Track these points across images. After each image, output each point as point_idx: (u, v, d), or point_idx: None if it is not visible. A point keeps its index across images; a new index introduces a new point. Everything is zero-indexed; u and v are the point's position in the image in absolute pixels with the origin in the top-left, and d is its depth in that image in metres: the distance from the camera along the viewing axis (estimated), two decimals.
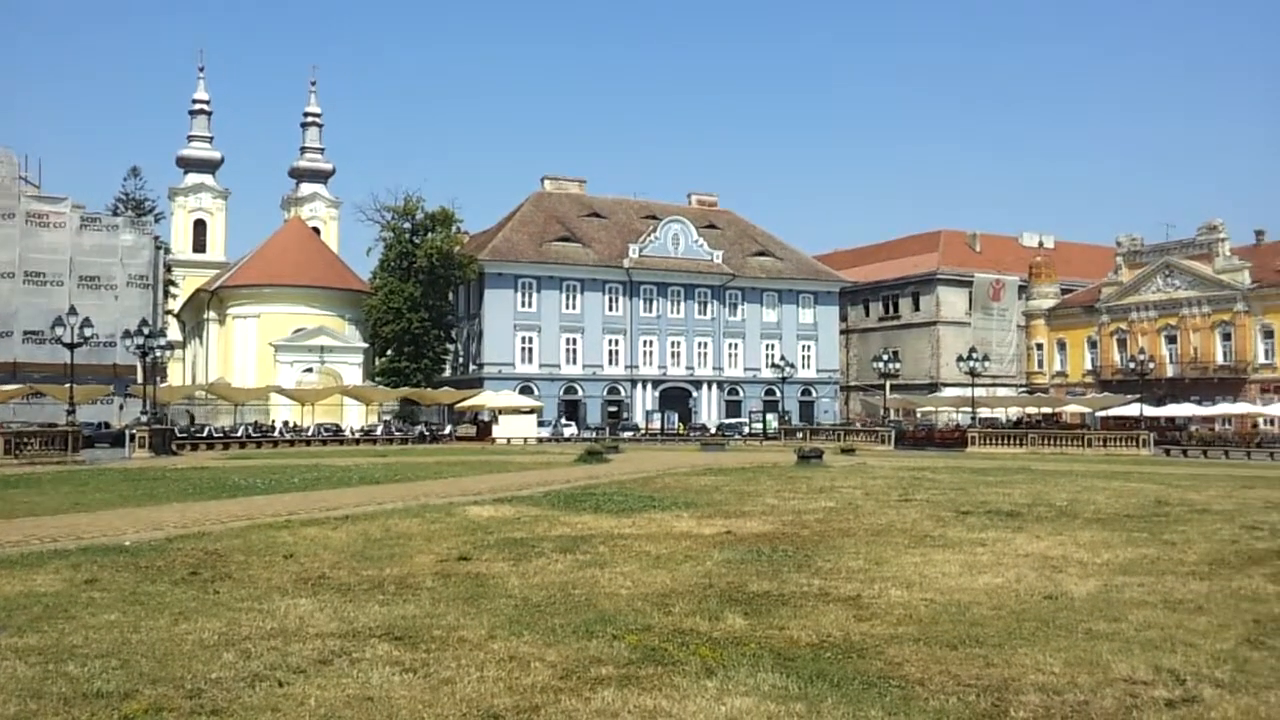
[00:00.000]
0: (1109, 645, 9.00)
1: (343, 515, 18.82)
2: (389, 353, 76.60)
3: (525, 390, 76.70)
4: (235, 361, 78.13)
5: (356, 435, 64.86)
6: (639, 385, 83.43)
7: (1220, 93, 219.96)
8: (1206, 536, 16.55)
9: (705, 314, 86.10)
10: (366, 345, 79.12)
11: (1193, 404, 69.85)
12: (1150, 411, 65.65)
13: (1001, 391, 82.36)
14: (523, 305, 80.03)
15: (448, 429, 70.20)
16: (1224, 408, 68.77)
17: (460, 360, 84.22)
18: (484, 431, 68.02)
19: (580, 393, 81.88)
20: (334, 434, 64.48)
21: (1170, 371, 75.91)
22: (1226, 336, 74.17)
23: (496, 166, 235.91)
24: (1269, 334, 71.91)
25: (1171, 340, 77.62)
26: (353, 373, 77.46)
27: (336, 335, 78.46)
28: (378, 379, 76.23)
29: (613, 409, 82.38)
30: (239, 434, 59.65)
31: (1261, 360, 72.04)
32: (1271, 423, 68.39)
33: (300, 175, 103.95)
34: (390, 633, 9.33)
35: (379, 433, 66.27)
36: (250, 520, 18.13)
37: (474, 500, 22.24)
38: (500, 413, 68.23)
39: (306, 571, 12.74)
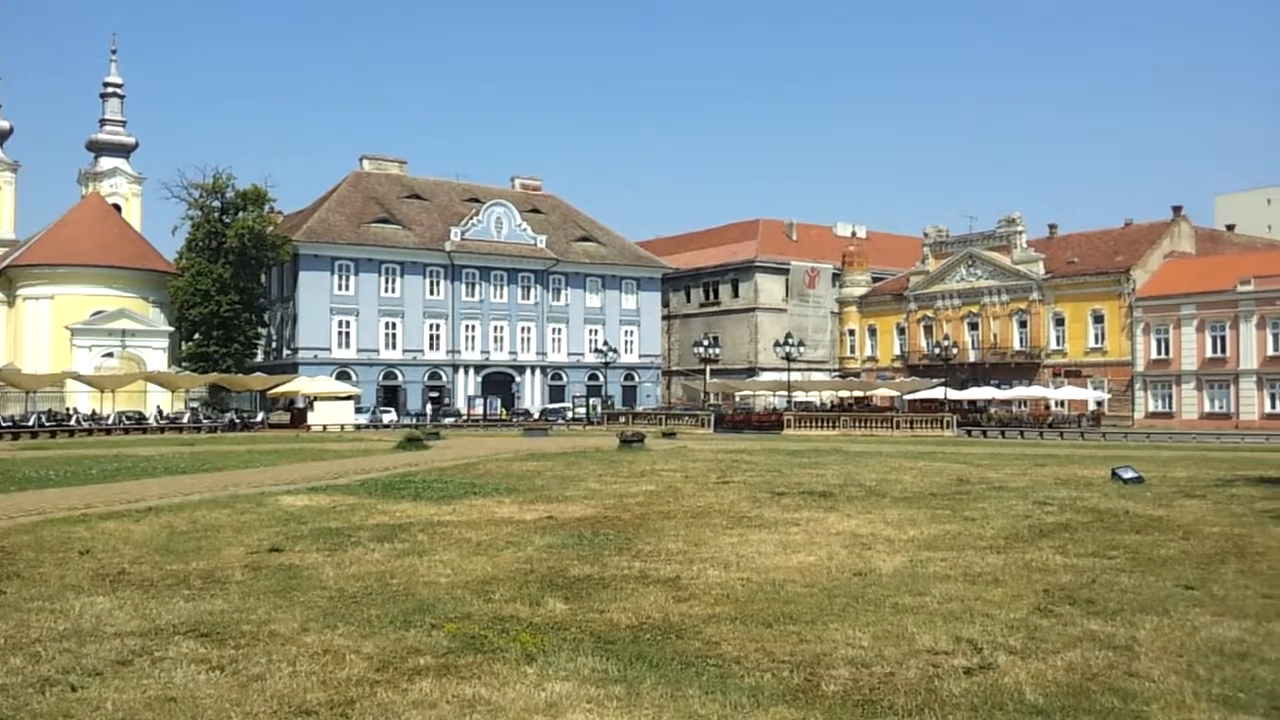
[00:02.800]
0: (914, 618, 9.39)
1: (145, 507, 17.92)
2: (197, 337, 73.29)
3: (342, 376, 74.77)
4: (26, 346, 73.31)
5: (161, 423, 61.85)
6: (461, 370, 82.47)
7: (1021, 94, 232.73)
8: (1003, 512, 17.51)
9: (529, 299, 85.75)
10: (172, 329, 75.51)
11: (992, 387, 73.92)
12: (954, 395, 69.15)
13: (816, 376, 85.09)
14: (340, 288, 77.88)
15: (260, 416, 67.85)
16: (1020, 391, 73.06)
17: (273, 345, 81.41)
18: (298, 418, 65.96)
19: (400, 378, 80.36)
20: (137, 422, 61.38)
21: (972, 356, 79.96)
22: (1023, 324, 78.62)
23: (313, 145, 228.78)
24: (1060, 322, 76.59)
25: (974, 327, 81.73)
26: (157, 358, 73.84)
27: (139, 318, 74.56)
28: (184, 364, 72.97)
29: (434, 395, 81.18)
30: (30, 423, 56.03)
31: (1053, 346, 76.67)
32: (1062, 405, 73.07)
33: (99, 149, 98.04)
34: (196, 629, 8.93)
35: (186, 420, 63.48)
36: (42, 515, 17.05)
37: (287, 489, 21.56)
38: (316, 399, 66.26)
39: (104, 568, 12.07)
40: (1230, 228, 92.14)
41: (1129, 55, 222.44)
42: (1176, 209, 77.72)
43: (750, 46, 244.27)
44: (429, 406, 78.39)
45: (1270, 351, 65.30)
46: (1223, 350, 67.49)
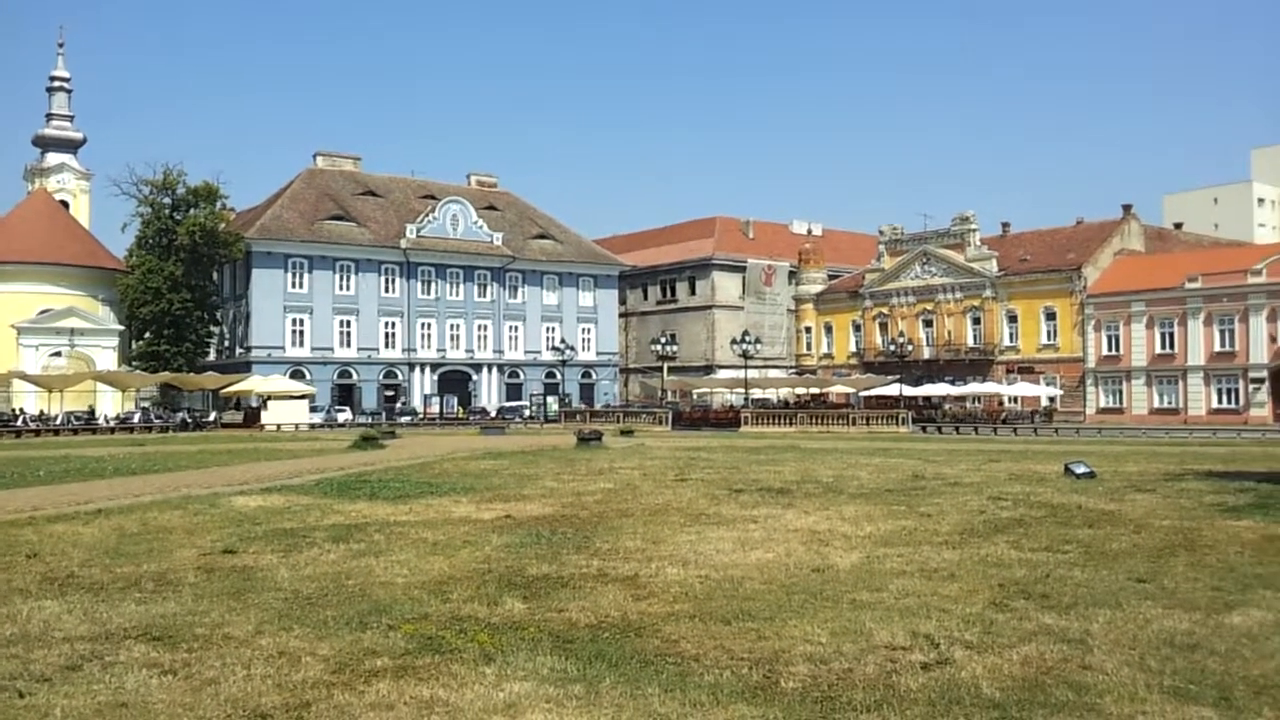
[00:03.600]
0: (871, 614, 9.44)
1: (95, 509, 17.61)
2: (147, 335, 72.16)
3: (296, 375, 74.01)
4: None
5: (112, 424, 60.86)
6: (417, 369, 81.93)
7: (974, 94, 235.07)
8: (958, 508, 17.68)
9: (485, 296, 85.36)
10: (122, 328, 74.29)
11: (947, 384, 74.56)
12: (909, 391, 69.68)
13: (773, 373, 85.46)
14: (293, 286, 77.08)
15: (212, 416, 67.03)
16: (974, 387, 73.78)
17: (226, 344, 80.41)
18: (252, 418, 65.18)
19: (355, 377, 79.69)
20: (86, 423, 60.37)
21: (927, 353, 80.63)
22: (976, 321, 79.39)
23: (266, 142, 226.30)
24: (1013, 319, 77.42)
25: (928, 324, 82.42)
26: (107, 357, 72.64)
27: (88, 317, 73.31)
28: (135, 364, 71.83)
29: (389, 393, 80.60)
30: None
31: (1006, 343, 77.49)
32: (1015, 401, 73.90)
33: (46, 144, 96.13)
34: (148, 633, 8.78)
35: (137, 420, 62.49)
36: None
37: (240, 490, 21.30)
38: (269, 398, 65.56)
39: (53, 571, 11.84)
40: (1178, 226, 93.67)
41: (1079, 56, 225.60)
42: (1126, 208, 78.85)
43: (706, 45, 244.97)
44: (385, 405, 77.81)
45: (1217, 348, 66.43)
46: (1171, 346, 68.56)
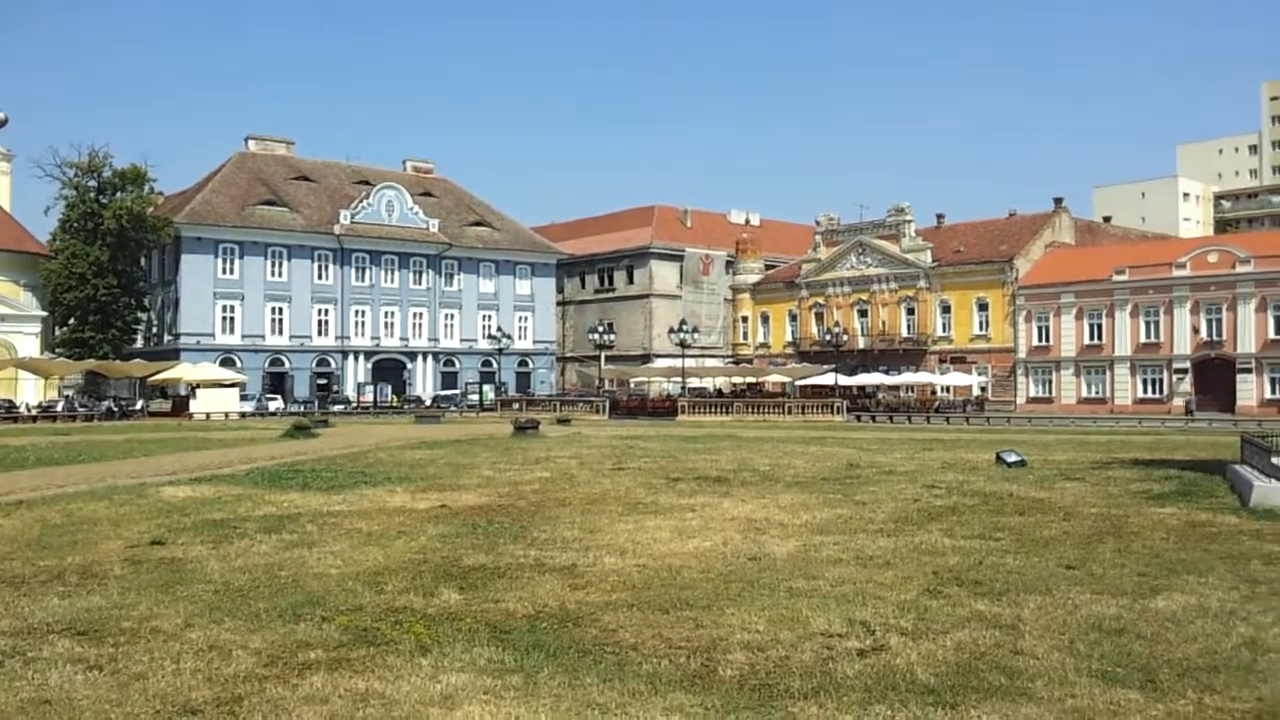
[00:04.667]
0: (808, 602, 9.50)
1: (15, 500, 17.11)
2: (72, 322, 70.45)
3: (226, 362, 72.82)
4: None
5: (34, 412, 59.25)
6: (350, 357, 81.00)
7: (909, 86, 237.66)
8: (892, 496, 17.87)
9: (420, 284, 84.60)
10: (45, 314, 72.39)
11: (881, 373, 75.46)
12: (844, 380, 70.47)
13: (710, 362, 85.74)
14: (224, 272, 75.77)
15: (139, 404, 65.60)
16: (908, 377, 74.81)
17: (154, 330, 78.81)
18: (180, 407, 63.87)
19: (287, 365, 78.57)
20: (7, 411, 58.73)
21: (862, 343, 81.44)
22: (911, 311, 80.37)
23: (196, 125, 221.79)
24: (946, 309, 78.50)
25: (863, 314, 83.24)
26: (29, 344, 70.72)
27: (9, 302, 71.26)
28: (58, 350, 70.09)
29: (322, 382, 79.60)
30: None
31: (940, 333, 78.57)
32: (947, 390, 75.00)
33: None
34: (72, 628, 8.55)
35: (60, 409, 60.91)
36: None
37: (169, 480, 20.84)
38: (198, 386, 64.32)
39: None
40: (1107, 219, 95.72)
41: (1012, 51, 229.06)
42: (1057, 201, 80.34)
43: (642, 35, 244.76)
44: (317, 394, 76.82)
45: (1143, 339, 67.96)
46: (1099, 337, 70.00)
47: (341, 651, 7.82)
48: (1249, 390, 63.25)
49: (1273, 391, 62.57)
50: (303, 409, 67.54)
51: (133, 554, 12.15)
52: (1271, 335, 62.67)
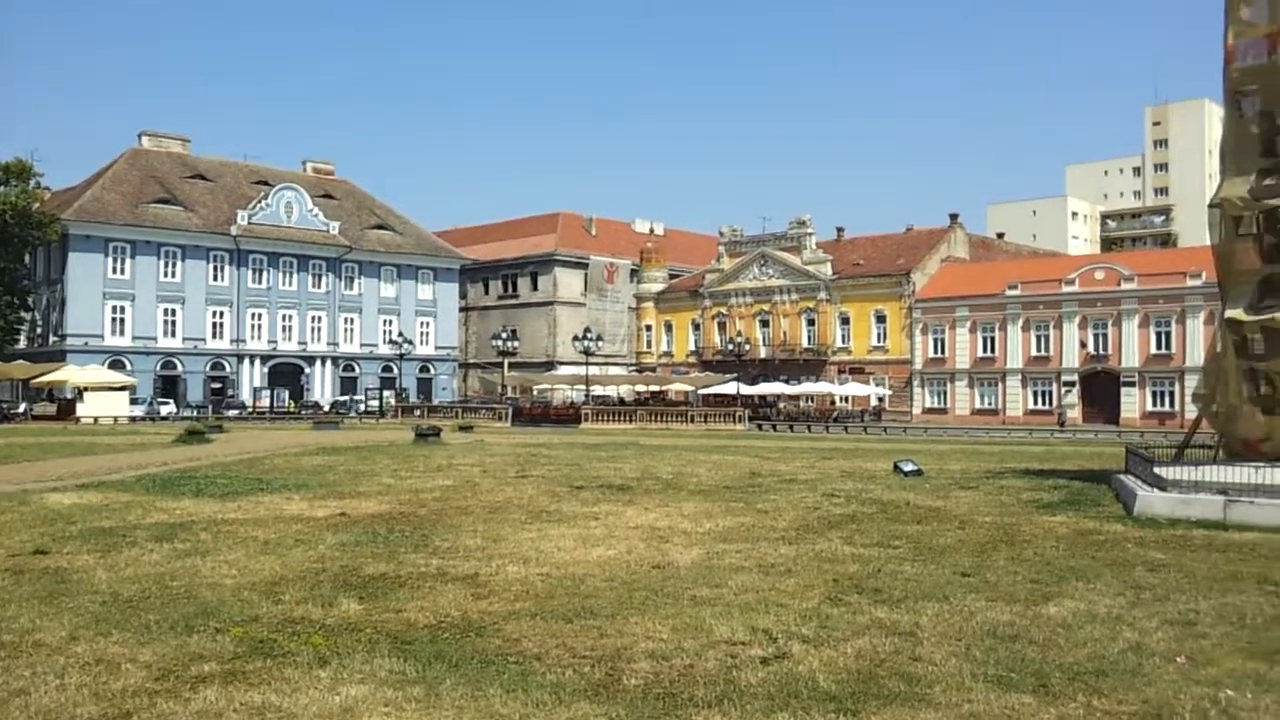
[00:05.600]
0: (711, 610, 9.55)
1: None
2: None
3: (116, 365, 70.52)
4: None
5: None
6: (246, 360, 79.10)
7: (810, 100, 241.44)
8: (793, 504, 18.09)
9: (320, 287, 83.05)
10: None
11: (782, 383, 76.47)
12: (746, 390, 71.18)
13: (613, 370, 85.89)
14: (114, 271, 73.34)
15: (22, 407, 63.22)
16: (808, 387, 75.91)
17: (39, 331, 75.90)
18: (66, 410, 61.69)
19: (180, 368, 76.37)
20: None
21: (763, 353, 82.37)
22: (811, 322, 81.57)
23: (87, 120, 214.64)
24: (845, 321, 79.84)
25: (765, 324, 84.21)
26: None
27: None
28: None
29: (217, 386, 77.55)
30: None
31: (839, 344, 79.87)
32: (846, 400, 76.31)
33: None
34: None
35: None
36: None
37: (53, 486, 20.13)
38: (86, 389, 62.18)
39: None
40: (1000, 236, 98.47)
41: (911, 70, 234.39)
42: (953, 216, 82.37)
43: (548, 40, 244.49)
44: (211, 398, 74.85)
45: (1034, 352, 70.01)
46: (992, 350, 71.91)
47: (236, 664, 7.62)
48: (1132, 403, 65.60)
49: (1154, 404, 64.98)
50: (196, 414, 65.75)
51: (14, 564, 11.69)
52: (1153, 350, 65.11)
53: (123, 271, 73.66)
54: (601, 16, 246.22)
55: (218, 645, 8.15)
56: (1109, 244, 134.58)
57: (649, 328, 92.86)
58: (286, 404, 75.26)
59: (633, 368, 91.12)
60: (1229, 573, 11.51)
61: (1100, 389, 67.13)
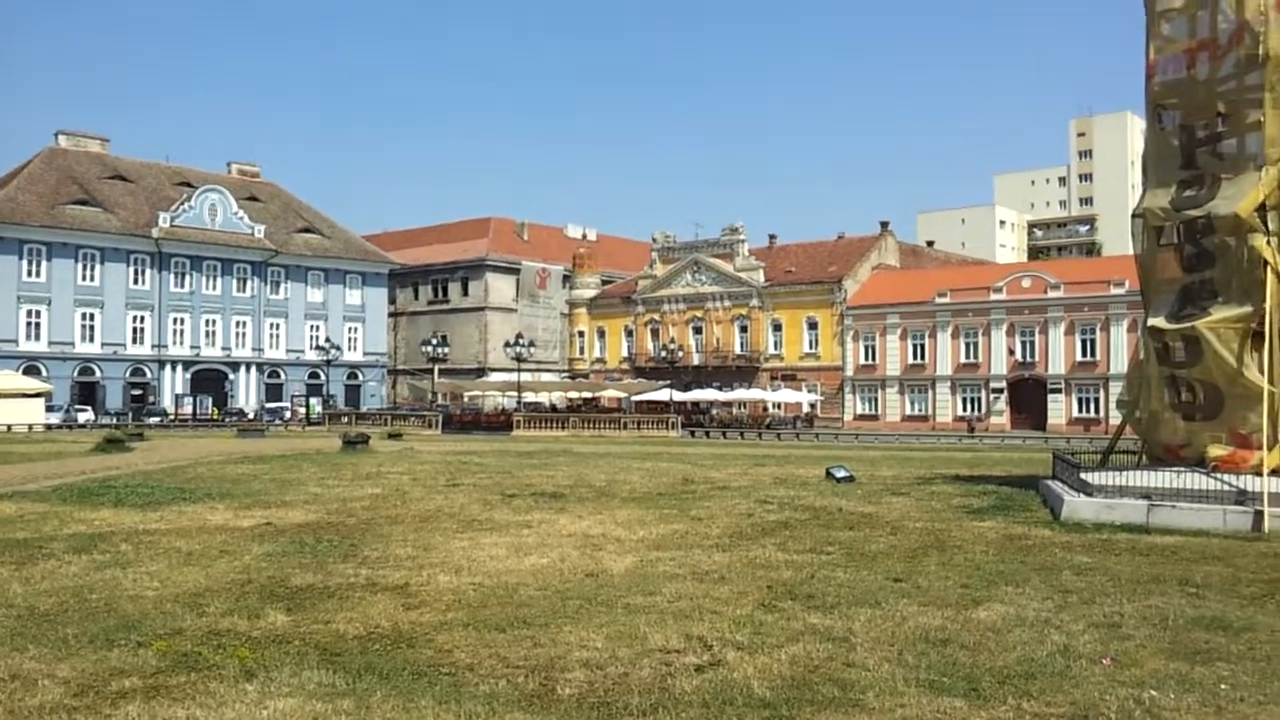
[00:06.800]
0: (646, 618, 9.51)
1: None
2: None
3: (31, 371, 68.73)
4: None
5: None
6: (168, 367, 77.47)
7: (744, 106, 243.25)
8: (727, 511, 18.12)
9: (245, 291, 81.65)
10: None
11: (715, 389, 76.75)
12: (679, 396, 71.41)
13: (546, 377, 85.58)
14: (29, 274, 71.38)
15: None
16: (740, 393, 76.31)
17: None
18: None
19: (98, 374, 74.54)
20: None
21: (696, 360, 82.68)
22: (744, 329, 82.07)
23: (0, 119, 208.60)
24: (778, 328, 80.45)
25: (698, 331, 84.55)
26: None
27: None
28: None
29: (137, 393, 75.83)
30: None
31: (771, 351, 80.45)
32: (779, 407, 76.85)
33: None
34: None
35: None
36: None
37: None
38: None
39: None
40: (930, 244, 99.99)
41: (845, 77, 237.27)
42: (884, 224, 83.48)
43: (479, 45, 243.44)
44: (132, 405, 73.16)
45: (963, 359, 71.15)
46: (922, 357, 72.93)
47: (159, 678, 7.42)
48: (1059, 409, 66.94)
49: (1080, 410, 66.36)
50: (116, 421, 64.23)
51: None
52: (1079, 357, 66.51)
53: (38, 274, 71.76)
54: (534, 23, 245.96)
55: (139, 659, 7.93)
56: (1036, 252, 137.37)
57: (582, 334, 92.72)
58: (210, 411, 73.88)
59: (565, 374, 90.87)
60: (1152, 575, 11.75)
61: (1027, 395, 68.38)
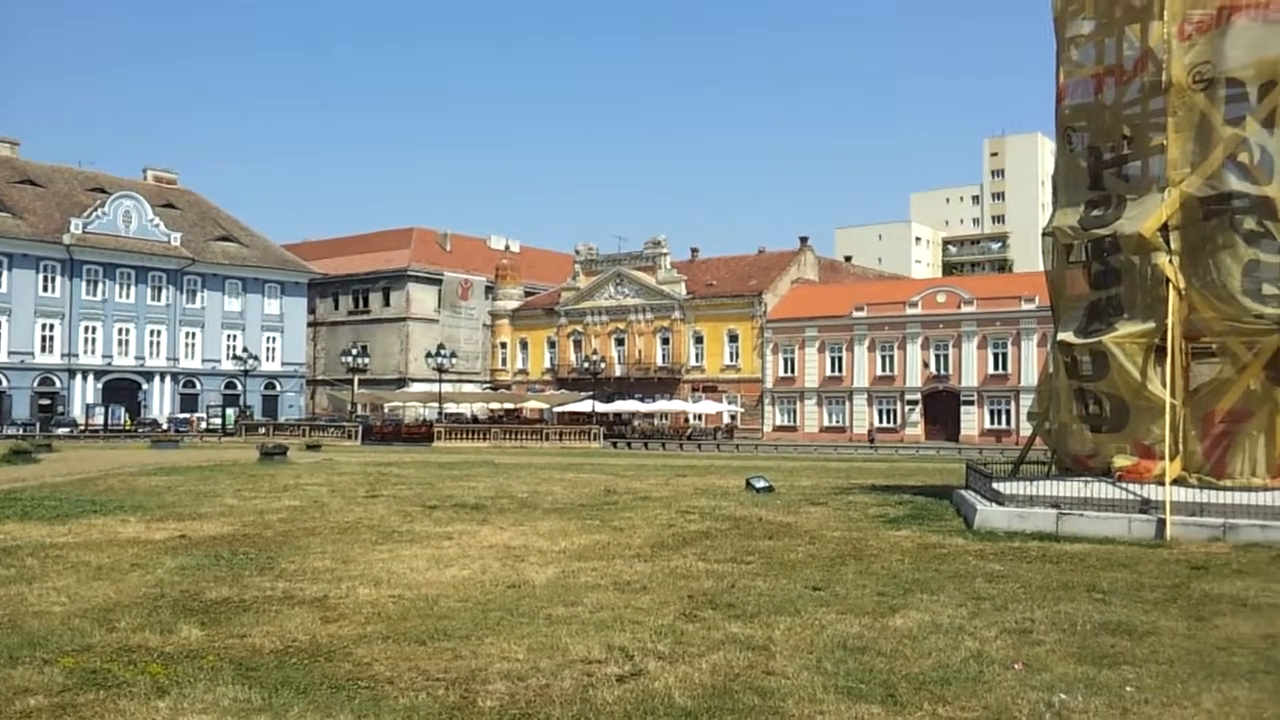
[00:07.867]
0: (567, 629, 9.52)
1: None
2: None
3: None
4: None
5: None
6: (79, 376, 75.33)
7: (668, 121, 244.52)
8: (648, 521, 18.19)
9: (159, 300, 79.77)
10: None
11: (637, 401, 76.97)
12: (601, 408, 71.42)
13: (468, 388, 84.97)
14: None
15: None
16: (662, 405, 76.63)
17: None
18: None
19: (4, 384, 72.20)
20: None
21: (619, 371, 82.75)
22: (666, 341, 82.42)
23: None
24: (699, 340, 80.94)
25: (620, 343, 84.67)
26: None
27: None
28: None
29: (45, 403, 73.53)
30: None
31: (693, 363, 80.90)
32: (700, 418, 77.31)
33: None
34: None
35: None
36: None
37: None
38: None
39: None
40: (848, 259, 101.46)
41: (764, 91, 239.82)
42: (803, 239, 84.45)
43: (401, 54, 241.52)
44: (39, 416, 70.95)
45: (879, 372, 72.24)
46: (840, 369, 73.90)
47: (66, 696, 7.24)
48: (971, 420, 68.31)
49: (992, 422, 67.81)
50: (22, 432, 62.20)
51: None
52: (991, 370, 67.98)
53: None
54: (457, 33, 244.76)
55: (45, 677, 7.71)
56: (950, 268, 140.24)
57: (504, 345, 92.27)
58: (123, 421, 71.96)
59: (487, 385, 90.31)
60: (1061, 582, 12.07)
61: (942, 407, 69.68)
